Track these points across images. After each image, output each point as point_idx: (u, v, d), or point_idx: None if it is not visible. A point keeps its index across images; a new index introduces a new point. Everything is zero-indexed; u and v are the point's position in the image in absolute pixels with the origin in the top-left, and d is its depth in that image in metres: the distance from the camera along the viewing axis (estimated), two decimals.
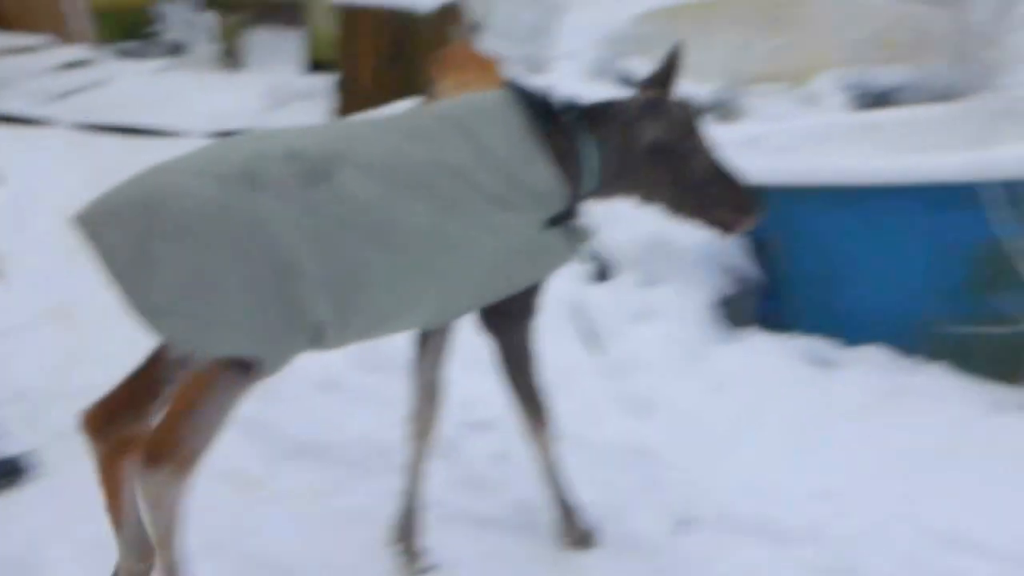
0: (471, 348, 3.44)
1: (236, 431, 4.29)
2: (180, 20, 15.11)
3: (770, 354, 5.15)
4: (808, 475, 4.07)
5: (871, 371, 4.88)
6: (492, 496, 3.90)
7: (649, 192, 3.23)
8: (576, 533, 3.56)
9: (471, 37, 13.03)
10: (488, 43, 13.49)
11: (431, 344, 3.39)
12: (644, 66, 10.30)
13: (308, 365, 4.84)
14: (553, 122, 3.06)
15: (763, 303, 5.59)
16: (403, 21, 10.08)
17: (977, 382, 4.83)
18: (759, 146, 7.31)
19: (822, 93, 10.05)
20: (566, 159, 3.04)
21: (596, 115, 3.15)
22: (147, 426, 2.79)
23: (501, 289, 3.03)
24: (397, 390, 4.50)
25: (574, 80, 9.19)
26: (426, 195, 2.77)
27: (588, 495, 3.68)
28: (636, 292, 5.63)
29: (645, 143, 3.11)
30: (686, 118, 3.15)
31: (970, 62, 9.48)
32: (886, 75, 10.30)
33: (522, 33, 13.32)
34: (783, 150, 7.25)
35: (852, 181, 5.15)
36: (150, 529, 2.74)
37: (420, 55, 10.01)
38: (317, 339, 2.71)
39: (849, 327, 5.14)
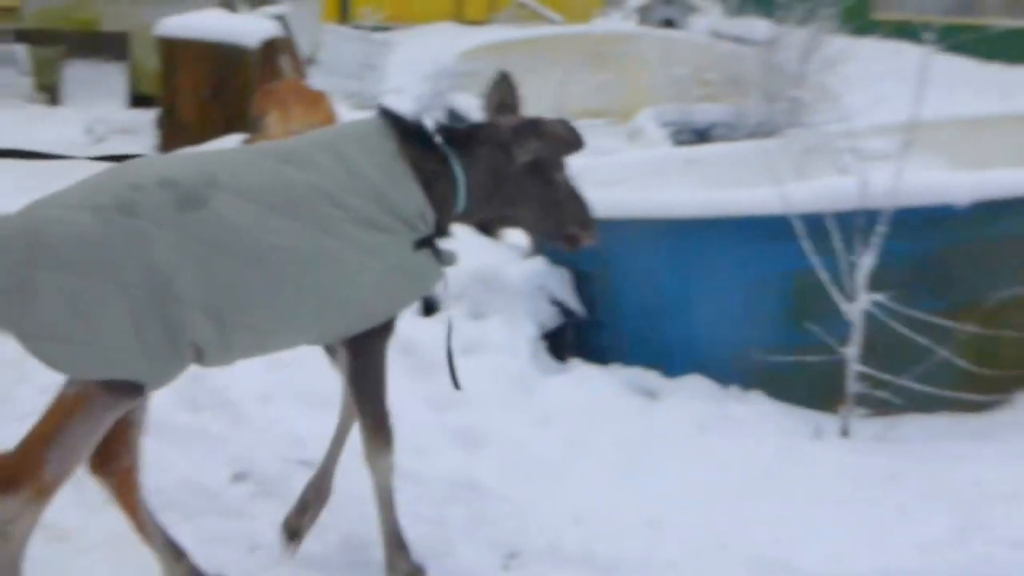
0: (303, 387, 3.37)
1: None
2: None
3: (596, 385, 5.17)
4: (634, 504, 4.09)
5: (694, 400, 4.94)
6: (319, 535, 3.77)
7: (515, 211, 3.39)
8: (404, 569, 3.48)
9: (299, 72, 12.92)
10: (316, 78, 13.41)
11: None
12: (470, 101, 10.42)
13: None
14: (424, 146, 3.18)
15: (587, 335, 5.63)
16: (227, 55, 9.86)
17: (797, 410, 4.96)
18: (583, 180, 7.40)
19: (644, 128, 10.27)
20: (437, 182, 3.16)
21: (466, 139, 3.28)
22: (134, 453, 3.08)
23: (380, 310, 3.15)
24: (222, 430, 4.39)
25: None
26: (300, 217, 2.88)
27: (416, 530, 3.62)
28: (463, 325, 5.62)
29: (526, 161, 3.24)
30: (564, 135, 3.29)
31: (780, 101, 9.85)
32: (704, 112, 10.61)
33: (350, 69, 13.29)
34: (607, 184, 7.34)
35: (670, 214, 5.25)
36: None
37: (245, 90, 9.82)
38: (199, 358, 2.84)
39: (671, 358, 5.22)
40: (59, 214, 2.70)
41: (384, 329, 3.25)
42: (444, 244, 3.20)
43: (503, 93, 3.43)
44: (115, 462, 3.05)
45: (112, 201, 2.72)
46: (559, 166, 3.33)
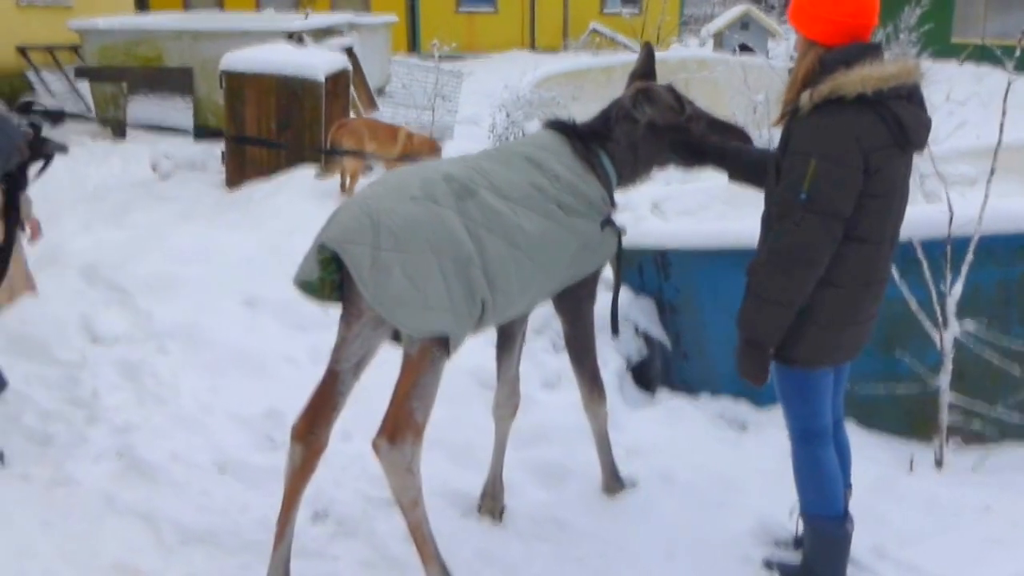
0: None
1: (120, 520, 4.05)
2: (57, 89, 14.78)
3: (683, 417, 5.13)
4: (727, 539, 4.04)
5: (786, 432, 4.81)
6: None
7: (661, 161, 4.12)
8: (617, 488, 4.38)
9: (367, 104, 13.01)
10: (386, 110, 13.47)
11: (508, 348, 4.23)
12: None
13: (200, 445, 4.62)
14: (585, 146, 3.94)
15: (674, 367, 5.59)
16: (294, 88, 9.90)
17: (891, 440, 4.87)
18: (663, 209, 7.37)
19: None
20: (597, 168, 3.93)
21: (604, 126, 4.03)
22: (328, 434, 3.55)
23: (577, 275, 3.87)
24: None
25: (477, 144, 9.15)
26: (530, 207, 3.60)
27: (500, 569, 3.62)
28: (547, 358, 5.59)
29: (643, 124, 3.96)
30: (673, 98, 3.95)
31: None
32: None
33: (421, 99, 13.33)
34: (689, 212, 7.30)
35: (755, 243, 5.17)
36: (397, 495, 3.40)
37: (312, 123, 9.85)
38: (480, 319, 3.44)
39: (761, 388, 5.14)
40: (390, 205, 3.31)
41: (590, 298, 4.07)
42: (617, 219, 3.93)
43: (642, 62, 4.18)
44: (314, 436, 3.52)
45: (420, 192, 3.38)
46: (688, 118, 3.95)
